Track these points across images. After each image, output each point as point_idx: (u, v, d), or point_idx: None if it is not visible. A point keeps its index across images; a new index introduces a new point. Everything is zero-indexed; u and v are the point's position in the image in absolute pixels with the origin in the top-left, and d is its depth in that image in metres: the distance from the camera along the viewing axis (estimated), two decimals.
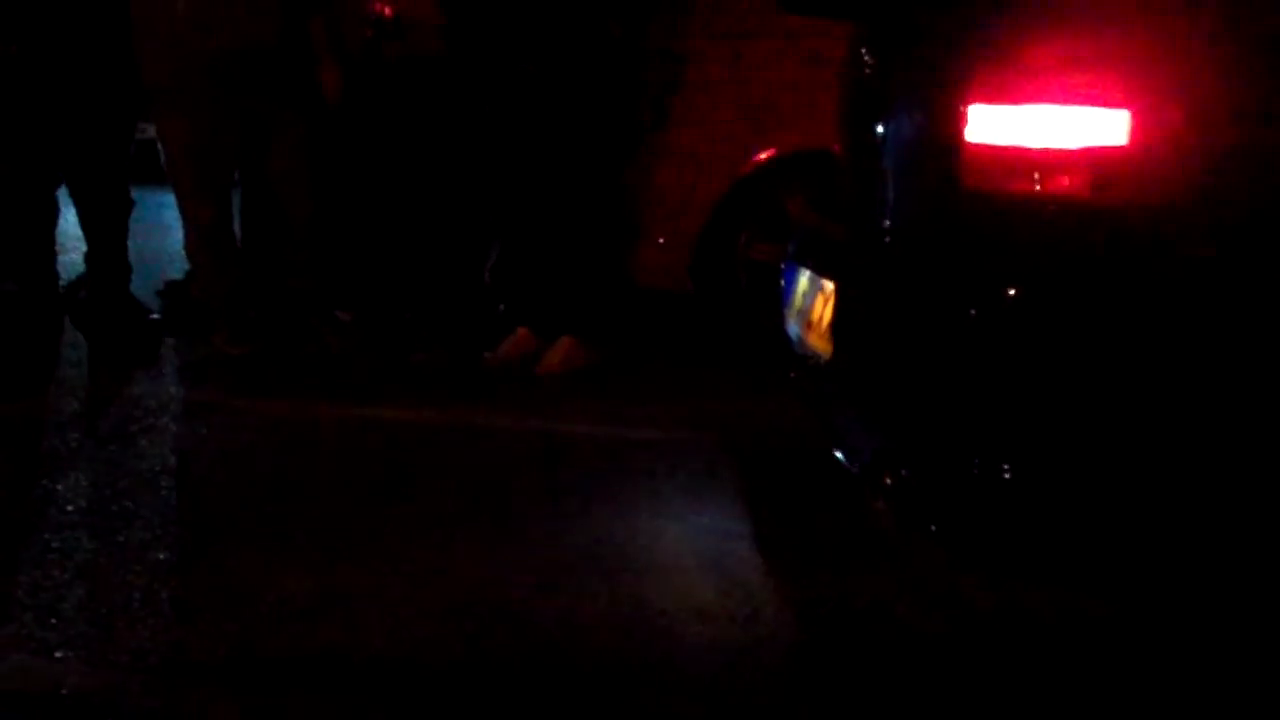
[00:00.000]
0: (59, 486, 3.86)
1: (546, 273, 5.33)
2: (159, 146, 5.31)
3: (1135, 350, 2.48)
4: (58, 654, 2.84)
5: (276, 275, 5.46)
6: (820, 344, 3.16)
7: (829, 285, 3.14)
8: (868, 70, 3.31)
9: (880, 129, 3.17)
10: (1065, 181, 2.57)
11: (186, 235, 5.34)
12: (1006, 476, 2.55)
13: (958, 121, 2.69)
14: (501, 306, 5.41)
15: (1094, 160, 2.55)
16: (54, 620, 2.99)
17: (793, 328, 3.44)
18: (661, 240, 5.45)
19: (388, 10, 5.23)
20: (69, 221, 5.46)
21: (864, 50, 3.33)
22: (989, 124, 2.66)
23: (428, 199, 5.43)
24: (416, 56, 5.30)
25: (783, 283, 3.58)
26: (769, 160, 5.36)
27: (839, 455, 3.12)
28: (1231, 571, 2.52)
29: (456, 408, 4.72)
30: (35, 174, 5.05)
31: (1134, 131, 2.52)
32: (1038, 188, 2.59)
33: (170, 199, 5.46)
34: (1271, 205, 2.48)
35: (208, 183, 5.18)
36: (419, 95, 5.33)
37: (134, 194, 5.41)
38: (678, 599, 3.15)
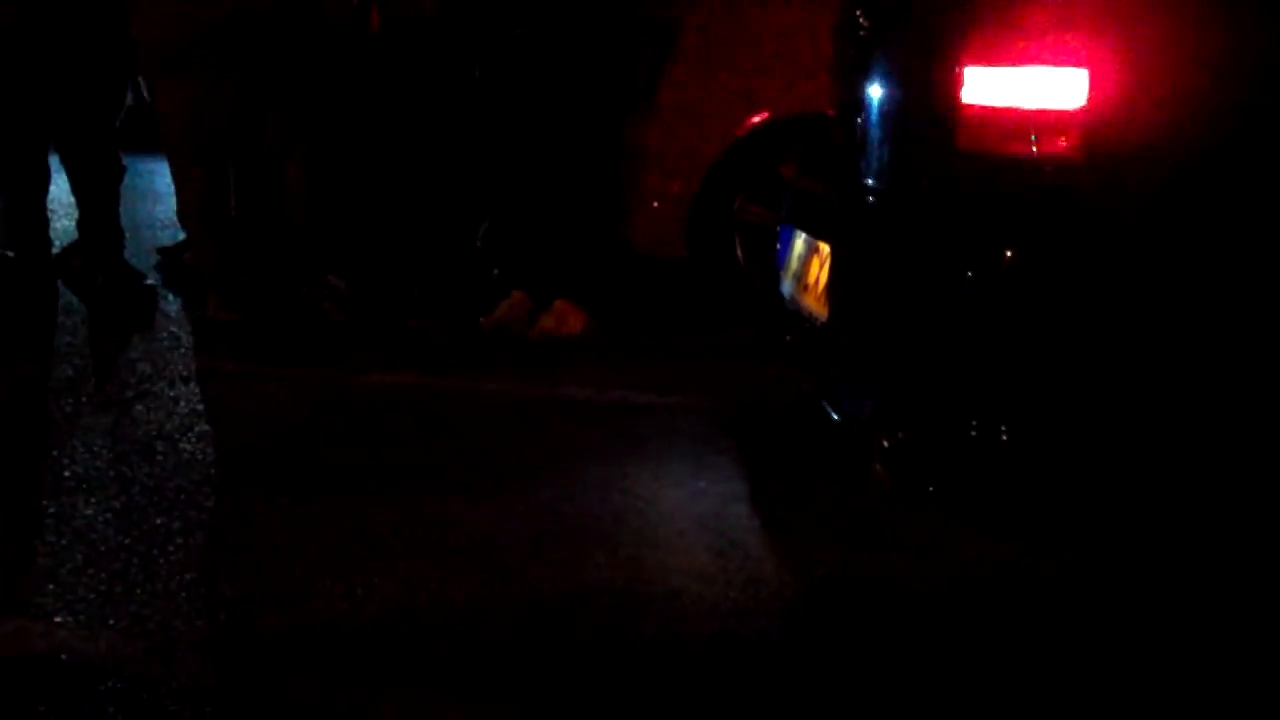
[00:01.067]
0: (55, 452, 3.85)
1: (541, 236, 5.32)
2: (155, 112, 5.30)
3: (1131, 312, 2.49)
4: (57, 619, 2.85)
5: (270, 243, 5.44)
6: (816, 306, 3.16)
7: (825, 248, 3.15)
8: (863, 32, 3.30)
9: (876, 91, 3.16)
10: (1060, 143, 2.58)
11: (180, 202, 5.33)
12: (1004, 437, 2.56)
13: (954, 83, 2.69)
14: (496, 271, 5.40)
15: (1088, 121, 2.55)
16: (52, 585, 2.99)
17: (788, 290, 3.44)
18: (656, 204, 5.44)
19: None
20: (61, 188, 5.45)
21: (859, 12, 3.32)
22: (984, 85, 2.66)
23: (420, 164, 5.41)
24: (408, 20, 5.27)
25: (778, 245, 3.58)
26: (763, 124, 5.34)
27: (835, 417, 3.12)
28: (1228, 530, 2.53)
29: (452, 372, 4.72)
30: (26, 138, 5.04)
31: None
32: (1034, 149, 2.60)
33: (160, 166, 5.44)
34: (1260, 164, 2.49)
35: (203, 149, 5.16)
36: (410, 60, 5.30)
37: (124, 161, 5.40)
38: (676, 562, 3.16)
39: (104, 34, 5.05)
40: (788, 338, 3.47)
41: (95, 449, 3.91)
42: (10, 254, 5.15)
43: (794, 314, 3.37)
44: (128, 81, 5.35)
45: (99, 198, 5.27)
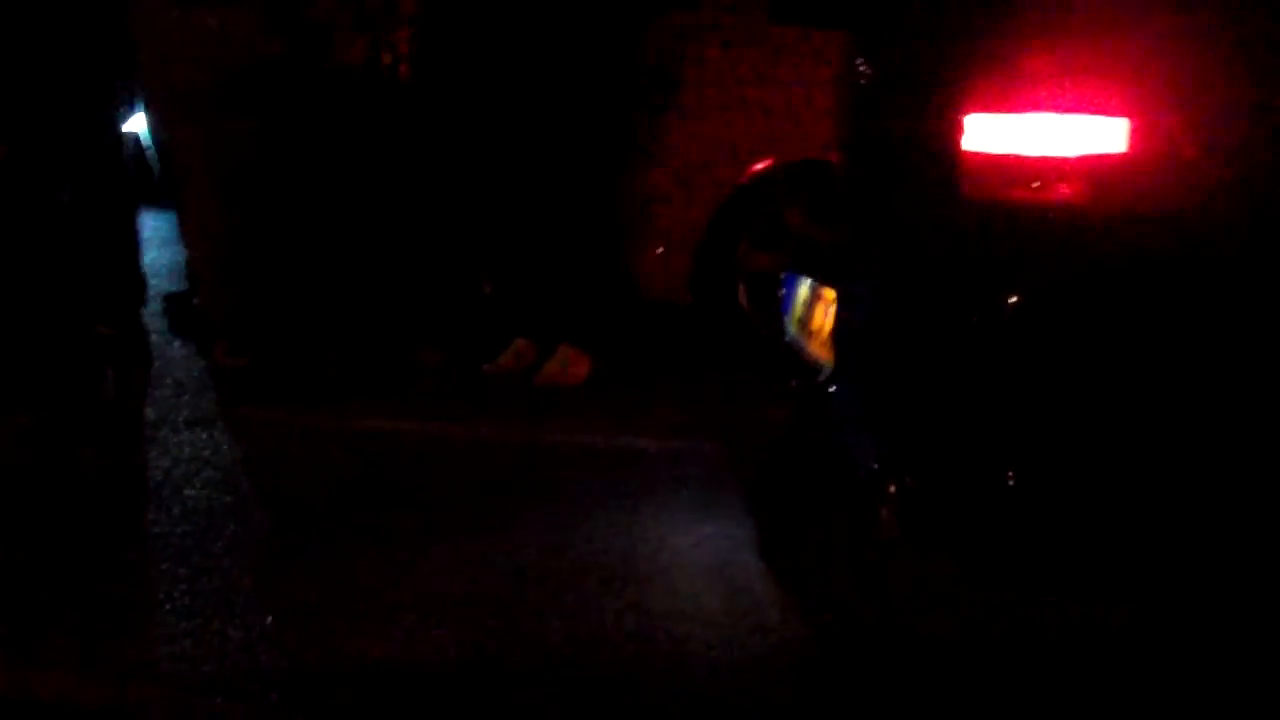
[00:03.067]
0: (57, 497, 3.85)
1: (545, 283, 5.33)
2: (170, 155, 5.31)
3: (1137, 357, 2.49)
4: (59, 665, 2.84)
5: (284, 288, 5.46)
6: (821, 352, 3.17)
7: (829, 293, 3.16)
8: (864, 80, 3.33)
9: (878, 138, 3.18)
10: (1064, 189, 2.59)
11: (193, 246, 5.33)
12: (1011, 484, 2.56)
13: (955, 130, 2.71)
14: (509, 321, 5.40)
15: (1092, 168, 2.57)
16: (55, 631, 2.99)
17: (793, 335, 3.45)
18: (660, 250, 5.46)
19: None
20: None
21: (860, 60, 3.34)
22: (987, 133, 2.68)
23: (425, 209, 5.43)
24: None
25: (783, 291, 3.59)
26: (767, 170, 5.36)
27: (842, 464, 3.12)
28: (1238, 578, 2.53)
29: (456, 419, 4.72)
30: (42, 185, 5.09)
31: (1133, 139, 2.54)
32: (1036, 196, 2.61)
33: (161, 217, 5.44)
34: (1270, 211, 2.50)
35: (220, 193, 5.18)
36: (414, 105, 5.33)
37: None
38: (683, 608, 3.15)
39: (97, 82, 5.08)
40: (793, 383, 3.47)
41: (97, 494, 3.91)
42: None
43: (799, 359, 3.38)
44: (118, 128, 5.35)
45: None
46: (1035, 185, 2.60)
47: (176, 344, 5.59)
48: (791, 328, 3.45)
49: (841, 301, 3.08)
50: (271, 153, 5.21)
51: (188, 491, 3.92)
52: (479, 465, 4.22)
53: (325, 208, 5.32)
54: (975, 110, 2.69)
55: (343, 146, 5.29)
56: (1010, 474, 2.55)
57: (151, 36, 5.04)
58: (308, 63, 5.15)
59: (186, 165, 5.21)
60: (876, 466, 2.87)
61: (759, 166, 5.37)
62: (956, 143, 2.71)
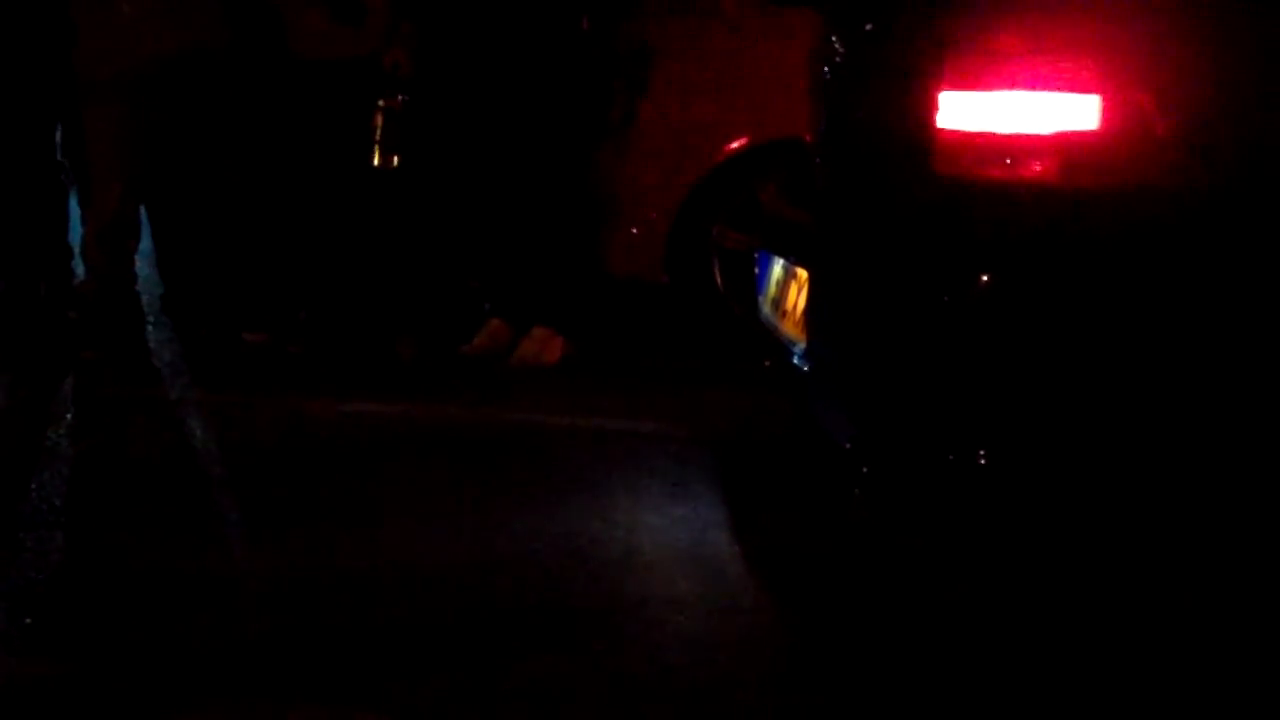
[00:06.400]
0: (16, 483, 3.82)
1: (521, 264, 5.32)
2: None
3: (1109, 335, 2.49)
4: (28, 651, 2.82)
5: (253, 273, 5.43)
6: (794, 331, 3.17)
7: (802, 273, 3.15)
8: (839, 58, 3.31)
9: (852, 117, 3.17)
10: (1036, 167, 2.59)
11: (87, 232, 5.26)
12: (982, 462, 2.56)
13: (929, 108, 2.71)
14: (488, 305, 5.38)
15: (1064, 145, 2.56)
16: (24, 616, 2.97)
17: (766, 315, 3.44)
18: (635, 230, 5.45)
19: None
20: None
21: (835, 38, 3.33)
22: (960, 110, 2.67)
23: (402, 194, 5.41)
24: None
25: (756, 271, 3.58)
26: (742, 149, 5.35)
27: (814, 443, 3.12)
28: (1211, 560, 2.54)
29: (430, 400, 4.71)
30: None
31: (1104, 116, 2.54)
32: (1009, 173, 2.61)
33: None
34: (1240, 186, 2.50)
35: (123, 180, 5.12)
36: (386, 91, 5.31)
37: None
38: (656, 591, 3.14)
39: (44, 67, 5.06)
40: (766, 363, 3.47)
41: (70, 479, 3.88)
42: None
43: (773, 339, 3.37)
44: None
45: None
46: (1008, 162, 2.60)
47: (149, 328, 5.54)
48: (765, 308, 3.45)
49: (814, 281, 3.07)
50: (191, 139, 5.16)
51: (160, 474, 3.90)
52: (452, 446, 4.21)
53: (292, 195, 5.30)
54: (948, 88, 2.68)
55: (310, 132, 5.26)
56: (981, 453, 2.56)
57: (83, 21, 4.99)
58: (263, 50, 5.12)
59: (97, 145, 5.11)
60: (849, 446, 2.87)
61: (734, 146, 5.36)
62: (930, 121, 2.71)
